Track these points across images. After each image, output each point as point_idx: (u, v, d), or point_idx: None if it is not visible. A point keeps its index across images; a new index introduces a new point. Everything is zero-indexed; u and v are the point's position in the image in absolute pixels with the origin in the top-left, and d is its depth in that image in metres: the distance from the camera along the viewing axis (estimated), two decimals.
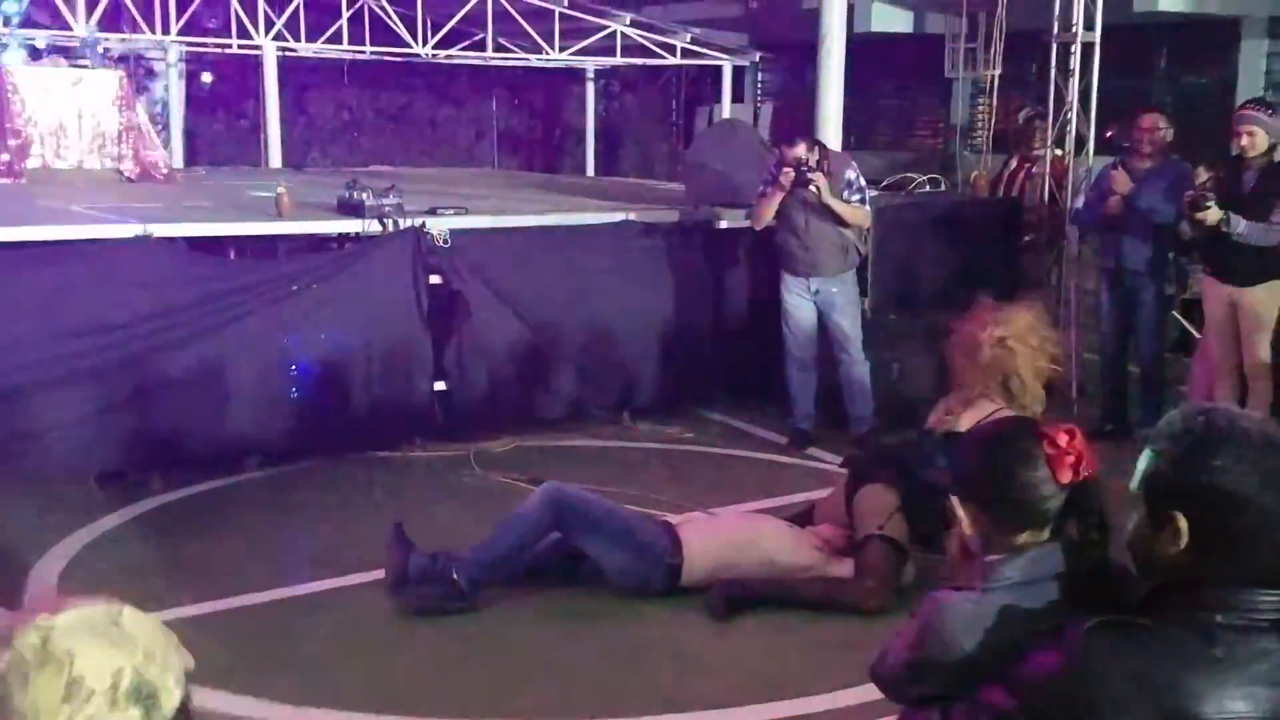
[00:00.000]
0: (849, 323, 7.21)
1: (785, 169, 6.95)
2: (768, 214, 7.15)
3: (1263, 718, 1.72)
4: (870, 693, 4.21)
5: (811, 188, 6.91)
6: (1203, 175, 7.40)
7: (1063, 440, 2.11)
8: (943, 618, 2.12)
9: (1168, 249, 7.30)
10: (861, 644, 4.62)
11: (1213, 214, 6.44)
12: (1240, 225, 6.44)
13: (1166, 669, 1.75)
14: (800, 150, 7.01)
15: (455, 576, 4.87)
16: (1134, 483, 1.93)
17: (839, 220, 7.06)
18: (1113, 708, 1.76)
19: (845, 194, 7.09)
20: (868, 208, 7.27)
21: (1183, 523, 1.83)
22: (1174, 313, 7.54)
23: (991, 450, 2.17)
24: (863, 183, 7.28)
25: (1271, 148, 6.53)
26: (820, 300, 7.18)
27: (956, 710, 2.04)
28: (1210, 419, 1.86)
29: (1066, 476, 2.10)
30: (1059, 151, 8.22)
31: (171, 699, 1.47)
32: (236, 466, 6.59)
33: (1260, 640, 1.75)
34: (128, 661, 1.44)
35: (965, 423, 4.41)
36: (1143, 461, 1.94)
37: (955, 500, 2.22)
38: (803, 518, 5.44)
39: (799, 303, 7.20)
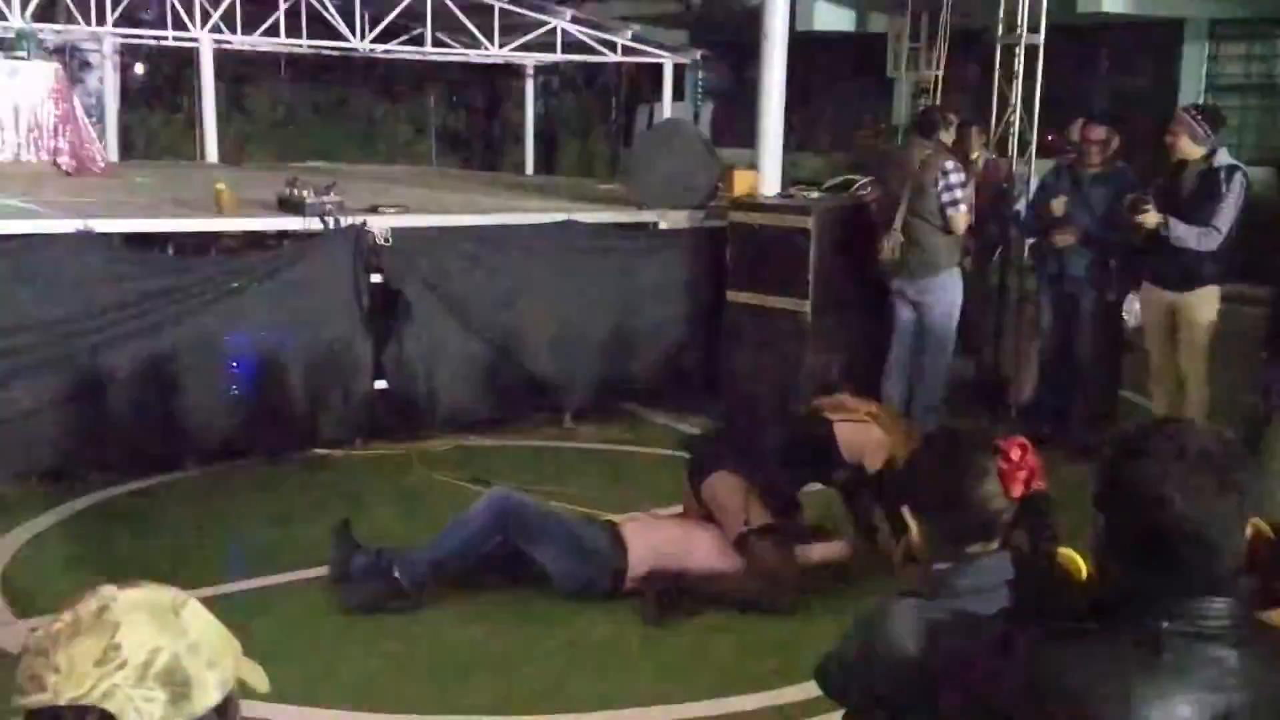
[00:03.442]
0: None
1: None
2: None
3: None
4: (805, 691, 4.30)
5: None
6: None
7: (1015, 455, 2.15)
8: (890, 621, 2.15)
9: (1108, 255, 7.22)
10: (790, 642, 4.71)
11: (1151, 217, 6.46)
12: (1178, 229, 6.46)
13: (1115, 676, 1.77)
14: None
15: (398, 574, 4.86)
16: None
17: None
18: (1062, 715, 1.78)
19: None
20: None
21: (1102, 521, 1.87)
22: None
23: (945, 463, 2.21)
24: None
25: (1211, 153, 6.51)
26: None
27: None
28: (1156, 427, 1.89)
29: (1018, 491, 2.15)
30: (992, 155, 8.27)
31: (206, 696, 1.47)
32: (176, 464, 6.52)
33: (1206, 648, 1.77)
34: (170, 645, 1.45)
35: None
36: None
37: (905, 509, 2.26)
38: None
39: None
